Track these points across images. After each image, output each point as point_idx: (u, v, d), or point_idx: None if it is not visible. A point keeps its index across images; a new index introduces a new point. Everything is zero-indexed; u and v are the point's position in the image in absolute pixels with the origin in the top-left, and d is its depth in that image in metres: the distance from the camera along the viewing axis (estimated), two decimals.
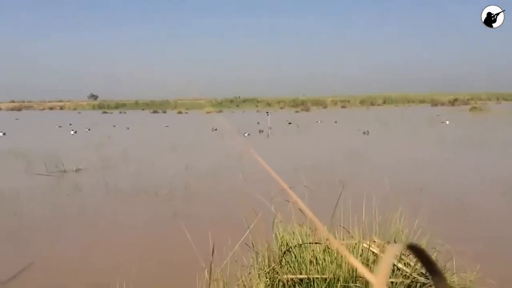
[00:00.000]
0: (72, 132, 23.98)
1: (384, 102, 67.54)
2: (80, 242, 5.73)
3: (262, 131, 22.47)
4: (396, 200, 3.70)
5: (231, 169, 10.92)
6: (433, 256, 3.36)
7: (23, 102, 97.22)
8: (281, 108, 64.59)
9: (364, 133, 20.16)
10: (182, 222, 4.94)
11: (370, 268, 3.10)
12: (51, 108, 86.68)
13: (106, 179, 9.70)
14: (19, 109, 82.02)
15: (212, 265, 3.43)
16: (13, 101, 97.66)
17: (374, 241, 3.36)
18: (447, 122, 27.19)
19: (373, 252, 3.26)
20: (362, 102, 66.80)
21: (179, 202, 7.66)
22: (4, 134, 22.99)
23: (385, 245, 3.36)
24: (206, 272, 3.42)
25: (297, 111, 52.41)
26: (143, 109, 71.54)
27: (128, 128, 27.36)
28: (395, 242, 3.42)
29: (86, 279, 4.51)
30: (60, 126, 29.51)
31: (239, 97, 78.60)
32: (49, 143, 18.52)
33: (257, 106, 69.10)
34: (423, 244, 3.39)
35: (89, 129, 26.25)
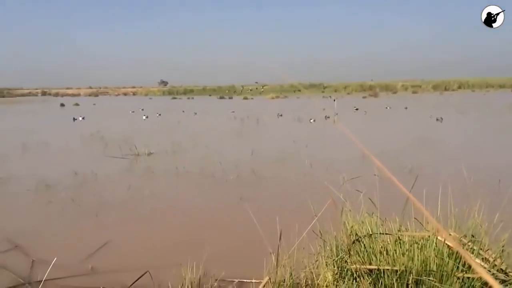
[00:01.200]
0: (144, 117, 25.14)
1: (460, 87, 63.55)
2: (152, 222, 6.02)
3: (328, 117, 22.12)
4: (474, 192, 3.49)
5: (297, 155, 10.88)
6: None
7: (100, 88, 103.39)
8: (348, 93, 63.06)
9: (437, 120, 19.15)
10: (249, 207, 5.02)
11: (447, 262, 2.96)
12: (124, 94, 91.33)
13: (176, 163, 10.07)
14: (96, 95, 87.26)
15: (279, 251, 3.45)
16: (90, 87, 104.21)
17: (450, 235, 3.19)
18: None
19: (448, 246, 3.10)
20: (435, 87, 63.31)
21: (247, 187, 7.77)
22: (83, 118, 24.63)
23: (461, 238, 3.19)
24: (273, 257, 3.46)
25: (364, 97, 50.94)
26: (210, 95, 73.08)
27: (195, 114, 28.14)
28: (473, 236, 3.23)
29: (159, 258, 4.74)
30: (133, 111, 30.99)
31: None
32: (123, 127, 19.55)
33: (323, 91, 67.98)
34: (504, 239, 3.17)
35: (159, 114, 27.33)
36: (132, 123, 22.26)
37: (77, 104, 44.69)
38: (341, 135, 15.26)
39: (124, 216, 6.37)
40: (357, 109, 28.04)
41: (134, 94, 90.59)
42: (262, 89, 68.11)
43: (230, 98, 60.74)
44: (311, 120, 20.44)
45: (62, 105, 43.54)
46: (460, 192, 3.59)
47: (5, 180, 8.50)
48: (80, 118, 24.48)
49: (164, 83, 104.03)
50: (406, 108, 28.56)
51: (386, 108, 29.28)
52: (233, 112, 29.48)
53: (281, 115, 24.36)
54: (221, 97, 62.52)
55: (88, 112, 30.28)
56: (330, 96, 30.40)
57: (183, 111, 30.93)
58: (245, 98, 57.13)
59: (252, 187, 7.76)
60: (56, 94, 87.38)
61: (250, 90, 72.30)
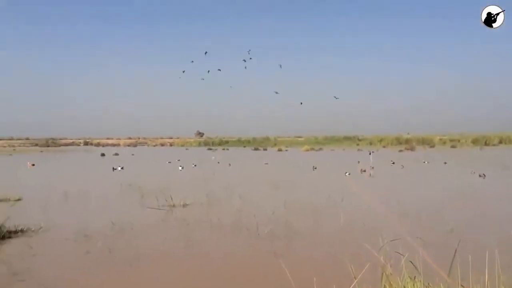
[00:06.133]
0: (180, 168, 25.59)
1: (501, 142, 61.60)
2: (186, 275, 5.98)
3: (364, 170, 21.79)
4: None
5: (332, 210, 10.70)
6: None
7: (138, 138, 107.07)
8: (384, 146, 62.34)
9: (480, 176, 18.47)
10: (284, 264, 4.91)
11: None
12: (162, 144, 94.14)
13: (211, 215, 10.10)
14: (135, 145, 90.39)
15: None
16: (130, 138, 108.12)
17: None
18: None
19: None
20: (475, 141, 61.63)
21: (280, 241, 7.65)
22: (122, 168, 25.34)
23: None
24: None
25: (401, 150, 50.15)
26: (244, 146, 74.08)
27: (230, 165, 28.43)
28: None
29: None
30: (169, 162, 31.68)
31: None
32: (160, 177, 19.93)
33: (358, 144, 67.56)
34: None
35: (195, 165, 27.78)
36: (168, 173, 22.68)
37: (116, 154, 46.17)
38: (378, 190, 14.93)
39: (159, 268, 6.36)
40: (393, 163, 27.56)
41: (171, 144, 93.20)
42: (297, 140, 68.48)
43: (265, 149, 61.24)
44: (347, 174, 20.19)
45: (103, 154, 45.15)
46: (507, 256, 3.42)
47: (46, 228, 8.73)
48: (119, 168, 25.20)
49: (201, 134, 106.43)
50: (445, 163, 27.79)
51: (424, 162, 28.61)
52: (266, 163, 29.59)
53: (316, 168, 24.23)
54: (256, 148, 63.14)
55: (127, 162, 31.17)
56: (370, 152, 30.04)
57: (218, 162, 31.35)
58: (280, 150, 57.44)
59: (286, 243, 7.62)
60: (98, 144, 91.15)
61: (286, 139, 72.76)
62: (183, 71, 22.69)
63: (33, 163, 29.35)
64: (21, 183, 18.24)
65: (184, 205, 11.53)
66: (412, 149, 52.56)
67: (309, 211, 10.47)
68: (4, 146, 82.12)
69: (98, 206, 12.06)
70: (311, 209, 10.69)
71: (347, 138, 74.03)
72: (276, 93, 21.96)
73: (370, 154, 27.89)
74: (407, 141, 63.24)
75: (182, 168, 25.65)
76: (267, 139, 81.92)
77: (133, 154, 47.84)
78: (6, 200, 12.35)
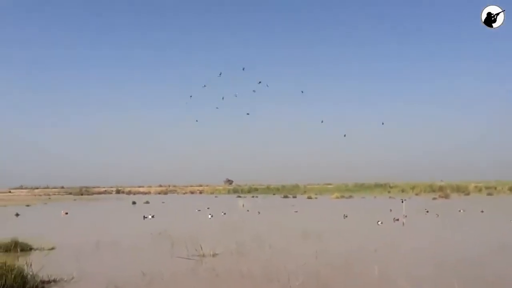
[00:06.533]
0: (209, 216, 25.56)
1: None
2: None
3: (397, 219, 21.17)
4: None
5: (365, 260, 10.40)
6: None
7: (169, 186, 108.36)
8: (416, 194, 60.73)
9: None
10: None
11: None
12: (192, 192, 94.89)
13: (241, 265, 9.96)
14: (165, 193, 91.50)
15: None
16: (160, 185, 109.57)
17: None
18: None
19: None
20: None
21: None
22: (153, 216, 25.52)
23: None
24: None
25: (434, 198, 48.67)
26: (274, 194, 73.67)
27: (259, 213, 28.22)
28: None
29: None
30: (199, 210, 31.74)
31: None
32: (190, 226, 19.96)
33: (389, 192, 66.09)
34: None
35: (224, 213, 27.71)
36: (198, 222, 22.70)
37: (147, 202, 46.62)
38: (412, 240, 14.43)
39: None
40: (427, 212, 26.70)
41: (200, 192, 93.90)
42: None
43: (294, 197, 60.59)
44: (379, 222, 19.65)
45: (134, 203, 45.73)
46: None
47: (78, 278, 8.78)
48: (150, 217, 25.38)
49: (230, 181, 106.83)
50: (482, 211, 26.72)
51: (460, 211, 27.57)
52: (296, 212, 29.21)
53: (347, 216, 23.73)
54: (285, 196, 62.58)
55: (157, 210, 31.43)
56: (403, 200, 29.33)
57: (248, 210, 31.19)
58: (309, 198, 56.73)
59: None
60: (129, 192, 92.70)
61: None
62: (190, 96, 24.26)
63: (66, 212, 30.06)
64: (55, 231, 18.61)
65: (214, 255, 11.44)
66: (446, 196, 50.93)
67: (341, 262, 10.19)
68: (40, 195, 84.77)
69: (129, 255, 12.12)
70: (343, 260, 10.41)
71: (378, 185, 72.67)
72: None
73: (402, 202, 27.19)
74: (441, 188, 61.42)
75: (212, 216, 25.62)
76: (296, 186, 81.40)
77: (163, 202, 48.27)
78: (41, 249, 12.60)
